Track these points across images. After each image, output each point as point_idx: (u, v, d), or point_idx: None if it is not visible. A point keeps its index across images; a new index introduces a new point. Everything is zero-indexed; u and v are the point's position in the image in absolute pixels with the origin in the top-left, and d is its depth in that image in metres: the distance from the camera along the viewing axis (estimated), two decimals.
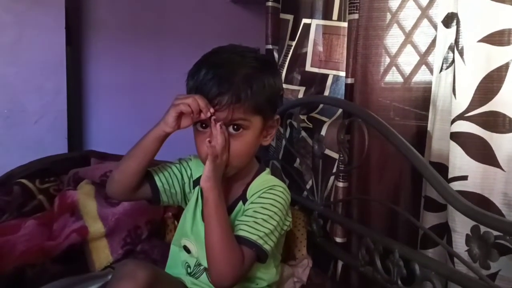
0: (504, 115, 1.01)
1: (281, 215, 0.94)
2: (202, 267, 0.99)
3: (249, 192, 0.98)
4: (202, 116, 0.88)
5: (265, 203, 0.93)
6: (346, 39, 1.37)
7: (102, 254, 1.21)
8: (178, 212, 1.33)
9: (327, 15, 1.58)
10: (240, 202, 0.98)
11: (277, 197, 0.95)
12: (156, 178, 1.00)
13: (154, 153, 0.94)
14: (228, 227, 0.90)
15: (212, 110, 0.88)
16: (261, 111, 0.93)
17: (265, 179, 1.01)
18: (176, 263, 1.05)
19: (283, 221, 0.96)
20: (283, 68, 1.69)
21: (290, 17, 1.71)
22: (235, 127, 0.92)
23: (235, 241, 0.89)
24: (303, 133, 1.56)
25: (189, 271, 1.02)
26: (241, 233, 0.90)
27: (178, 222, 1.32)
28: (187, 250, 1.01)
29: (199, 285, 1.00)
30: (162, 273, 1.01)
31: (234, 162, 0.94)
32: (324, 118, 1.52)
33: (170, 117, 0.89)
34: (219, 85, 0.89)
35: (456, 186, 1.04)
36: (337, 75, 1.57)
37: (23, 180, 1.42)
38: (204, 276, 0.99)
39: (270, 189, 0.96)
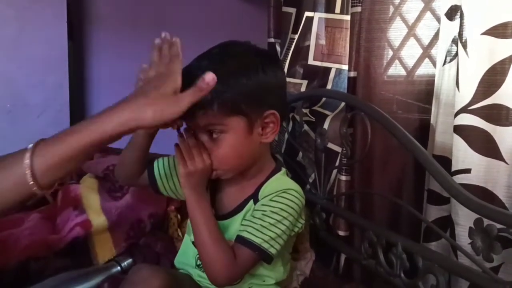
0: (508, 108, 1.01)
1: (291, 219, 0.93)
2: None
3: (261, 193, 0.96)
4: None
5: (275, 207, 0.92)
6: (349, 32, 1.37)
7: (105, 247, 1.22)
8: (181, 206, 1.33)
9: (329, 8, 1.57)
10: (251, 201, 0.97)
11: (289, 202, 0.93)
12: (155, 167, 1.02)
13: (145, 147, 0.96)
14: (211, 228, 0.90)
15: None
16: (238, 111, 0.87)
17: (280, 181, 0.99)
18: (187, 254, 1.05)
19: (293, 225, 0.95)
20: (286, 61, 1.69)
21: (292, 10, 1.70)
22: (211, 131, 0.89)
23: (222, 242, 0.90)
24: (306, 127, 1.56)
25: (198, 263, 1.02)
26: (245, 234, 0.90)
27: (181, 215, 1.33)
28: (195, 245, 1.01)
29: (205, 278, 0.99)
30: (177, 278, 1.00)
31: (223, 166, 0.92)
32: (326, 112, 1.51)
33: None
34: None
35: (460, 179, 1.04)
36: (340, 69, 1.56)
37: None
38: None
39: (283, 192, 0.93)
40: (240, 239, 0.90)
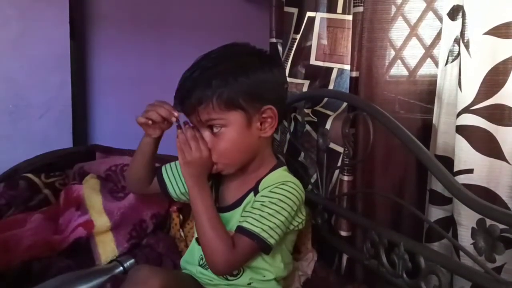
0: (510, 108, 1.01)
1: (290, 210, 0.95)
2: None
3: (261, 185, 0.99)
4: (172, 119, 0.95)
5: (274, 198, 0.94)
6: (350, 32, 1.37)
7: (108, 247, 1.22)
8: (183, 206, 1.33)
9: (331, 8, 1.57)
10: (251, 194, 1.00)
11: (287, 193, 0.95)
12: (163, 171, 1.08)
13: (151, 154, 1.03)
14: (210, 216, 0.93)
15: (176, 114, 0.94)
16: (236, 106, 0.92)
17: (280, 175, 1.02)
18: (193, 253, 1.08)
19: (292, 217, 0.97)
20: (288, 61, 1.69)
21: (294, 10, 1.70)
22: (212, 126, 0.95)
23: (221, 230, 0.93)
24: (308, 127, 1.56)
25: (201, 262, 1.04)
26: (245, 224, 0.93)
27: (183, 216, 1.34)
28: (199, 242, 1.02)
29: (206, 274, 1.02)
30: (177, 278, 1.02)
31: (224, 160, 0.97)
32: (328, 112, 1.51)
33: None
34: (181, 92, 0.94)
35: (462, 179, 1.04)
36: (342, 69, 1.56)
37: (29, 175, 1.42)
38: None
39: (282, 184, 0.96)
40: (239, 229, 0.93)
